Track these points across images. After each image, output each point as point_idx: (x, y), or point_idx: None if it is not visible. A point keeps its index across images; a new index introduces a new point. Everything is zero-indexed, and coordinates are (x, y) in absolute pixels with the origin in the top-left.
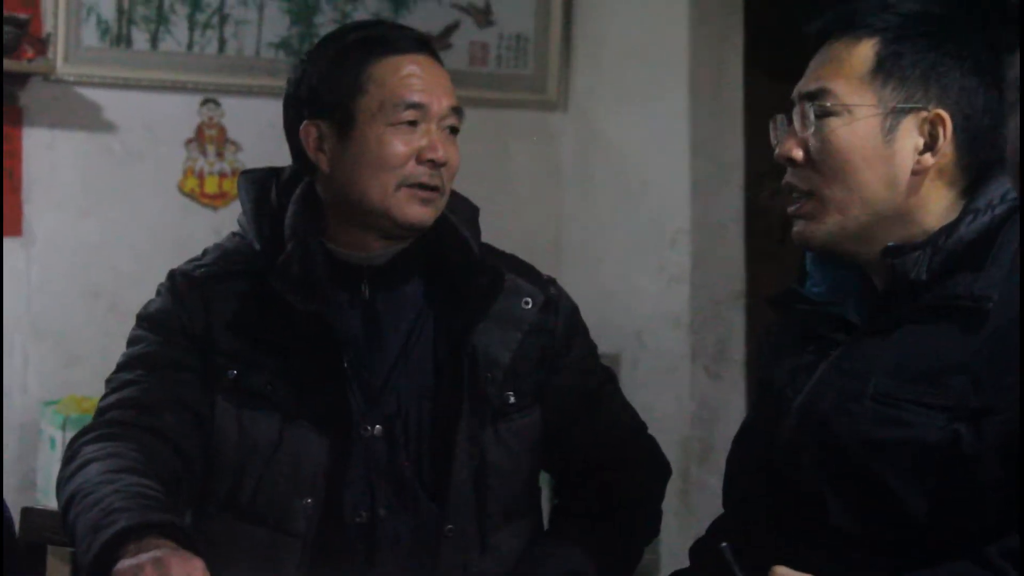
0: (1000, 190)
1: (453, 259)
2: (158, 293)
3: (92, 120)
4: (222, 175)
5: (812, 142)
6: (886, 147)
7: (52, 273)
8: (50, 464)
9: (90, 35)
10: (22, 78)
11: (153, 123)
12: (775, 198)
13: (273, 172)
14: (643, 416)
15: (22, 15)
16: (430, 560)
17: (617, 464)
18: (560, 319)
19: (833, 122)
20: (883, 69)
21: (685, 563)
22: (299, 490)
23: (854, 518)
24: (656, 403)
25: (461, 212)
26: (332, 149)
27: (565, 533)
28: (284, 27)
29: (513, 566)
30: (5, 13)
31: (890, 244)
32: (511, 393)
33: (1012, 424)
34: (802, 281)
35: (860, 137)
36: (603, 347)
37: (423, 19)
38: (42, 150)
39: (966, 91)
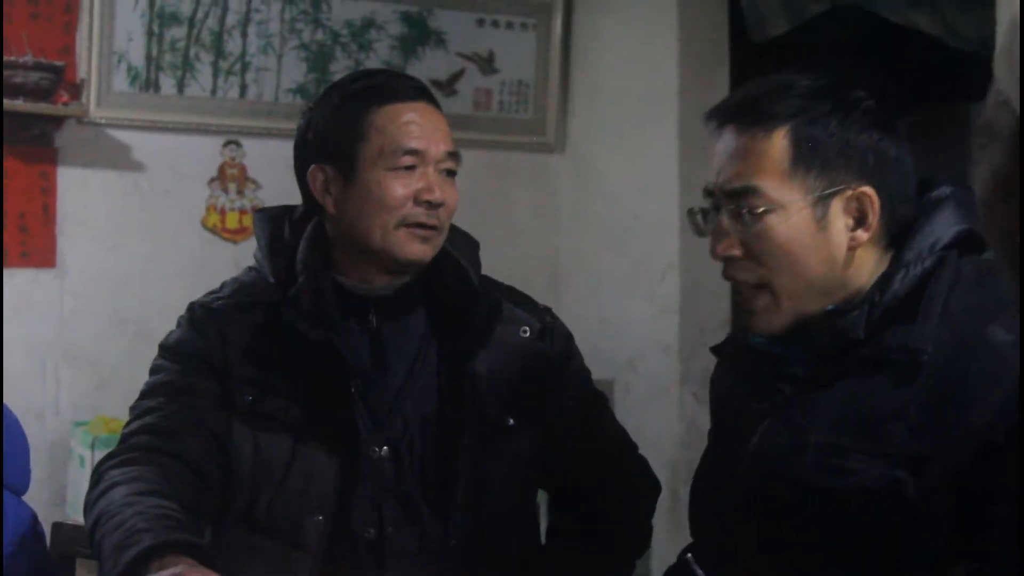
0: (927, 241)
1: (455, 290)
2: (178, 325)
3: (122, 160)
4: (242, 211)
5: (749, 238)
6: (821, 232)
7: (83, 301)
8: (80, 481)
9: (121, 80)
10: (58, 120)
11: (178, 163)
12: None
13: (286, 210)
14: (635, 437)
15: (58, 63)
16: (436, 573)
17: (610, 481)
18: (556, 346)
19: (768, 219)
20: (802, 159)
21: None
22: (310, 507)
23: (808, 559)
24: (647, 425)
25: (462, 246)
26: (337, 192)
27: (561, 547)
28: (301, 73)
29: None
30: (43, 60)
31: (830, 308)
32: (510, 416)
33: (955, 467)
34: (745, 331)
35: (796, 228)
36: (597, 373)
37: (431, 67)
38: (76, 188)
39: (883, 158)
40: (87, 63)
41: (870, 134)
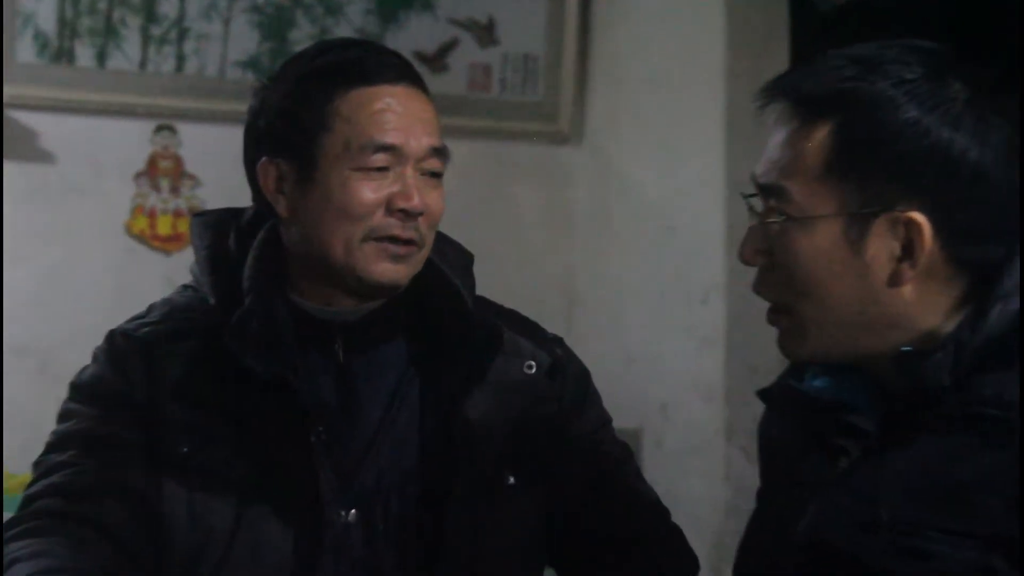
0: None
1: (443, 314)
2: (94, 359)
3: (25, 149)
4: (177, 214)
5: (774, 248)
6: (855, 258)
7: None
8: None
9: (26, 50)
10: None
11: (98, 153)
12: None
13: (232, 214)
14: (667, 501)
15: None
16: None
17: (635, 558)
18: (568, 385)
19: (793, 230)
20: (839, 164)
21: None
22: None
23: None
24: (683, 487)
25: (452, 260)
26: (292, 192)
27: None
28: (253, 43)
29: None
30: None
31: (904, 349)
32: (510, 473)
33: None
34: (800, 371)
35: (823, 248)
36: (621, 420)
37: (415, 36)
38: None
39: (953, 175)
40: None
41: (948, 142)
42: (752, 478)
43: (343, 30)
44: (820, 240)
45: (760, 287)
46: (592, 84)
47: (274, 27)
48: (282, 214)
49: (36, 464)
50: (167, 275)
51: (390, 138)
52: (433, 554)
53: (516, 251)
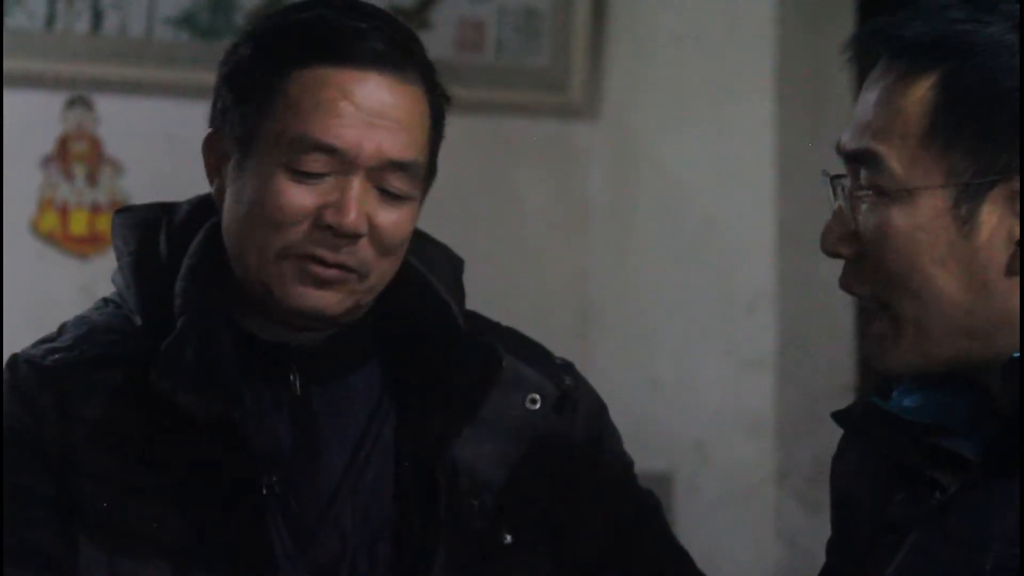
0: None
1: (427, 334)
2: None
3: None
4: (95, 209)
5: (864, 231)
6: (965, 241)
7: None
8: None
9: None
10: None
11: None
12: None
13: (164, 211)
14: (704, 566)
15: None
16: None
17: None
18: (580, 422)
19: (887, 207)
20: (946, 125)
21: None
22: None
23: None
24: (725, 545)
25: (438, 266)
26: (229, 178)
27: None
28: None
29: None
30: None
31: (1015, 355)
32: (507, 530)
33: None
34: (886, 388)
35: (926, 229)
36: (646, 462)
37: None
38: None
39: None
40: None
41: None
42: (810, 533)
43: None
44: (921, 218)
45: (849, 281)
46: (610, 45)
47: None
48: (216, 202)
49: None
50: (83, 284)
51: (331, 137)
52: None
53: (516, 252)
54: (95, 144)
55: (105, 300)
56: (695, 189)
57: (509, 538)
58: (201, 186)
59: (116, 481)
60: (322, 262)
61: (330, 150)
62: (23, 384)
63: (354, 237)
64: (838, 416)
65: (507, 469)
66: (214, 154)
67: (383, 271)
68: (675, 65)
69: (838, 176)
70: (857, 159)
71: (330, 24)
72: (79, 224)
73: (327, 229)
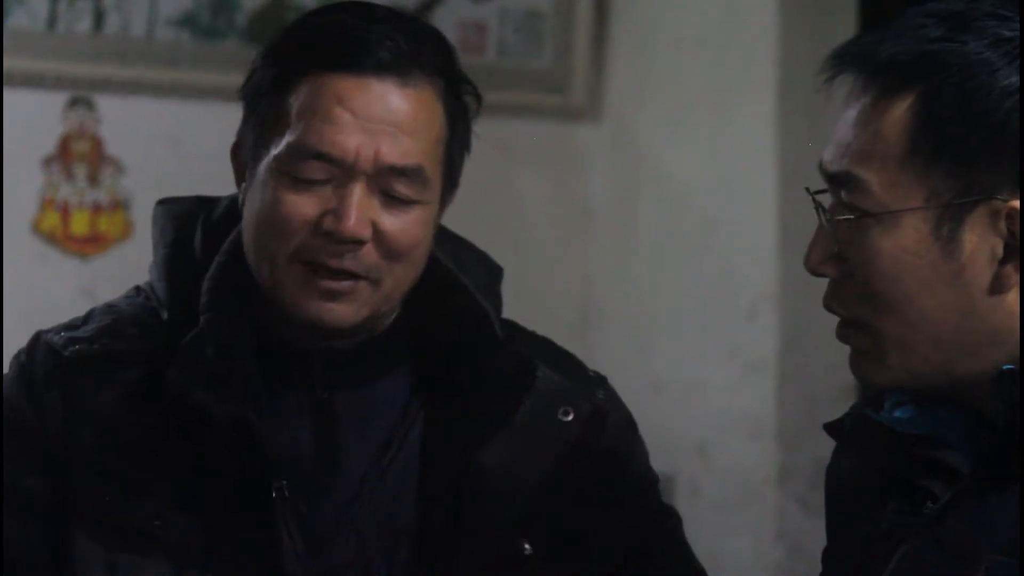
0: None
1: (461, 340)
2: (11, 366)
3: None
4: (96, 209)
5: (847, 253)
6: (947, 261)
7: None
8: None
9: None
10: None
11: None
12: None
13: (203, 205)
14: (709, 567)
15: None
16: None
17: None
18: (608, 438)
19: (870, 229)
20: (926, 144)
21: None
22: None
23: None
24: (726, 548)
25: (475, 272)
26: (246, 188)
27: None
28: None
29: None
30: None
31: (1006, 368)
32: (526, 540)
33: None
34: (878, 399)
35: (908, 250)
36: (651, 463)
37: None
38: None
39: None
40: None
41: None
42: (811, 535)
43: None
44: (904, 240)
45: (832, 301)
46: (611, 47)
47: None
48: (240, 208)
49: None
50: (83, 286)
51: (327, 145)
52: None
53: (517, 255)
54: (96, 144)
55: (138, 289)
56: (696, 191)
57: (528, 548)
58: (202, 186)
59: (118, 478)
60: (328, 270)
61: (326, 157)
62: (36, 370)
63: (356, 243)
64: (830, 427)
65: (534, 479)
66: (237, 162)
67: (398, 277)
68: (677, 67)
69: (820, 191)
70: (838, 181)
71: (333, 32)
72: (80, 224)
73: (328, 235)
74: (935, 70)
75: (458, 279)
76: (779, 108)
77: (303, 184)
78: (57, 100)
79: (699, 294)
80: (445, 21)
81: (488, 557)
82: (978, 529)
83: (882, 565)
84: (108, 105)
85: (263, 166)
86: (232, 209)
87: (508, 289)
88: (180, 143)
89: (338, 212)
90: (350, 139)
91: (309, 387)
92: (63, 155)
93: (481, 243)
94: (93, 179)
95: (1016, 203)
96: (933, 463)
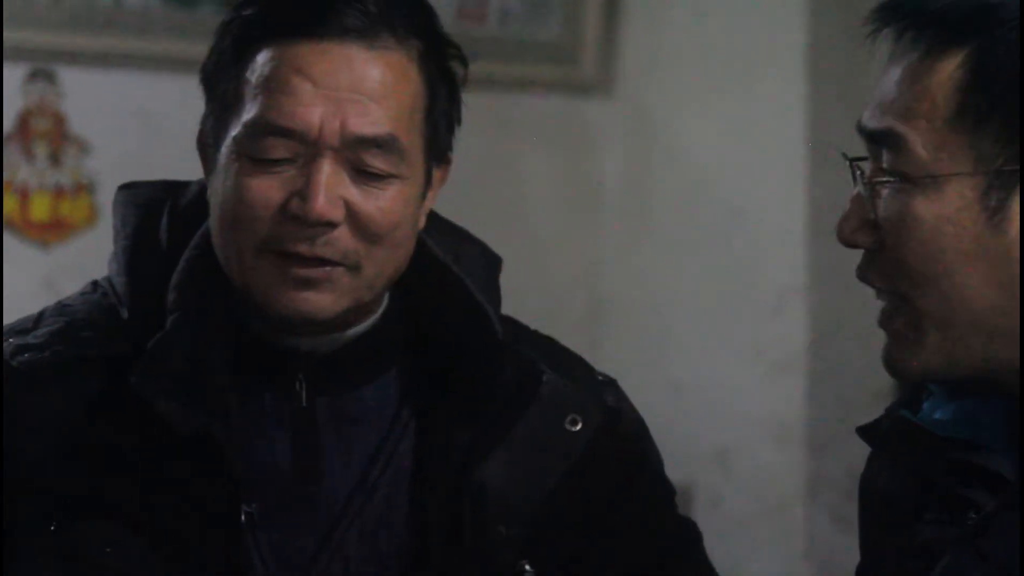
0: None
1: (457, 342)
2: None
3: None
4: (59, 192)
5: (884, 220)
6: (994, 234)
7: None
8: None
9: None
10: None
11: None
12: None
13: (169, 191)
14: None
15: None
16: None
17: None
18: (619, 445)
19: (910, 195)
20: (976, 105)
21: None
22: None
23: None
24: (751, 564)
25: (473, 266)
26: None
27: None
28: None
29: None
30: None
31: None
32: (526, 560)
33: None
34: (916, 400)
35: (951, 219)
36: (667, 472)
37: None
38: None
39: None
40: None
41: None
42: (844, 551)
43: None
44: (947, 208)
45: (868, 272)
46: (625, 14)
47: None
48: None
49: None
50: (45, 277)
51: (287, 119)
52: None
53: (521, 242)
54: (59, 121)
55: (95, 284)
56: (718, 173)
57: (528, 567)
58: (175, 168)
59: (67, 500)
60: (300, 258)
61: (287, 133)
62: None
63: (327, 225)
64: (864, 431)
65: (539, 495)
66: (204, 152)
67: (379, 262)
68: (697, 36)
69: (859, 159)
70: (879, 140)
71: None
72: (40, 209)
73: (296, 220)
74: (990, 24)
75: (454, 274)
76: (809, 81)
77: (265, 165)
78: (15, 73)
79: (721, 286)
80: None
81: None
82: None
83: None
84: (71, 78)
85: (224, 150)
86: (203, 195)
87: (509, 281)
88: (151, 120)
89: (304, 193)
90: (312, 111)
91: (287, 394)
92: (22, 133)
93: (480, 230)
94: (55, 159)
95: None
96: (976, 469)
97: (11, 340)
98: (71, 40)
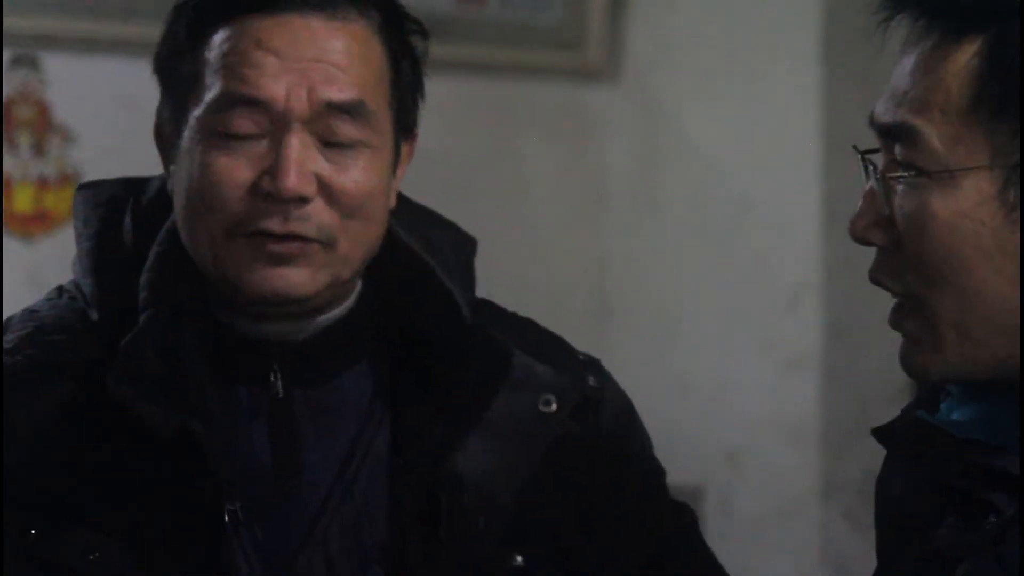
0: None
1: (427, 327)
2: None
3: None
4: (42, 184)
5: (899, 217)
6: (1011, 230)
7: None
8: None
9: None
10: None
11: None
12: None
13: (131, 188)
14: None
15: None
16: None
17: None
18: (604, 427)
19: (926, 190)
20: (993, 95)
21: None
22: None
23: None
24: (762, 567)
25: (443, 249)
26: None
27: None
28: None
29: None
30: None
31: None
32: (516, 552)
33: None
34: (934, 400)
35: (970, 217)
36: (673, 474)
37: None
38: None
39: None
40: None
41: None
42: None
43: None
44: (964, 203)
45: (880, 274)
46: None
47: None
48: (170, 194)
49: None
50: (28, 271)
51: (252, 88)
52: None
53: (524, 235)
54: (42, 109)
55: (60, 289)
56: (728, 164)
57: (520, 559)
58: None
59: (47, 507)
60: (273, 236)
61: (254, 102)
62: None
63: (299, 201)
64: (880, 433)
65: (519, 482)
66: (162, 143)
67: (354, 237)
68: (707, 21)
69: (870, 151)
70: (892, 134)
71: None
72: (24, 200)
73: (268, 198)
74: (1007, 11)
75: (422, 260)
76: (823, 68)
77: (233, 142)
78: None
79: (731, 281)
80: None
81: (473, 573)
82: None
83: None
84: (55, 64)
85: (186, 134)
86: (165, 190)
87: (509, 276)
88: (138, 108)
89: (275, 170)
90: (278, 81)
91: (264, 384)
92: (4, 122)
93: (481, 221)
94: (38, 149)
95: None
96: (994, 472)
97: None
98: (55, 24)
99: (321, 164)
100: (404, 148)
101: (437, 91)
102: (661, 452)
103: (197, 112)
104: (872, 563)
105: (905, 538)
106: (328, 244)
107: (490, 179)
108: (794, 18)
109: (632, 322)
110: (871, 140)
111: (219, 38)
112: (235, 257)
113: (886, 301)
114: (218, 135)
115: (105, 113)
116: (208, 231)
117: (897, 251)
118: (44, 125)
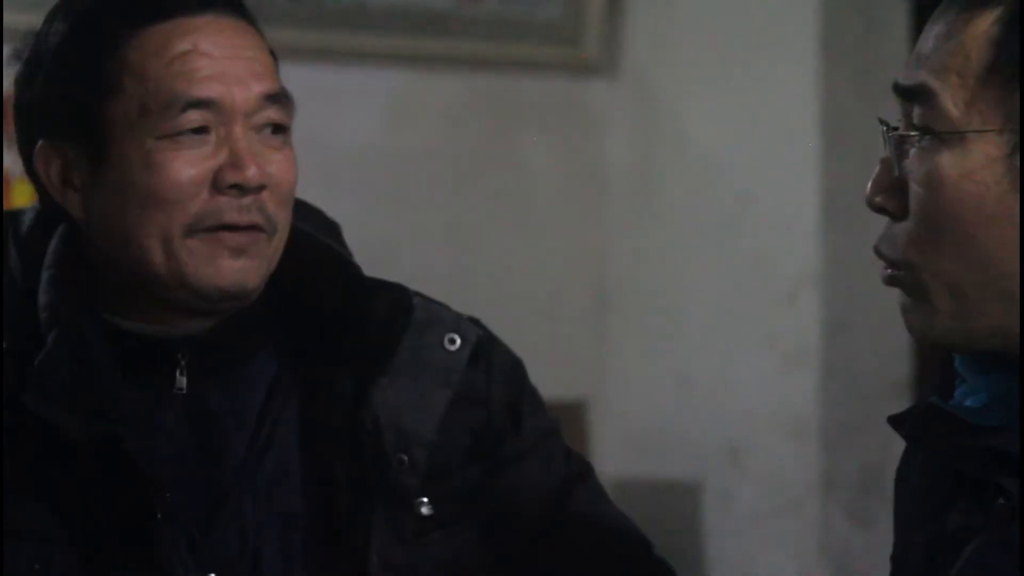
0: None
1: (325, 291)
2: None
3: None
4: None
5: (908, 179)
6: (1015, 196)
7: None
8: None
9: None
10: None
11: None
12: None
13: (8, 220)
14: None
15: None
16: None
17: None
18: (496, 381)
19: (937, 152)
20: (1007, 64)
21: None
22: None
23: None
24: (762, 562)
25: (316, 221)
26: (85, 184)
27: None
28: None
29: None
30: None
31: None
32: (425, 497)
33: None
34: (947, 387)
35: (975, 179)
36: (673, 470)
37: None
38: None
39: None
40: None
41: None
42: (860, 550)
43: None
44: (971, 164)
45: (881, 242)
46: None
47: None
48: (77, 216)
49: None
50: None
51: (203, 90)
52: None
53: (523, 230)
54: None
55: None
56: (728, 158)
57: (426, 508)
58: None
59: None
60: (234, 229)
61: (205, 103)
62: None
63: (256, 190)
64: (894, 420)
65: (432, 420)
66: (54, 168)
67: (285, 225)
68: (705, 15)
69: (893, 129)
70: (911, 96)
71: None
72: (23, 197)
73: (231, 189)
74: None
75: (302, 231)
76: (823, 63)
77: (181, 141)
78: None
79: (730, 276)
80: None
81: (404, 511)
82: None
83: (946, 569)
84: None
85: (115, 144)
86: (41, 218)
87: (510, 271)
88: None
89: (236, 162)
90: (218, 79)
91: (169, 379)
92: (3, 117)
93: (480, 216)
94: None
95: None
96: (1006, 457)
97: None
98: None
99: (263, 155)
100: None
101: (434, 84)
102: (662, 447)
103: (133, 121)
104: (871, 556)
105: (919, 521)
106: (272, 233)
107: (488, 173)
108: (793, 13)
109: (631, 317)
110: (871, 135)
111: (142, 43)
112: (196, 254)
113: (886, 295)
114: (168, 136)
115: None
116: (161, 231)
117: (902, 219)
118: None
